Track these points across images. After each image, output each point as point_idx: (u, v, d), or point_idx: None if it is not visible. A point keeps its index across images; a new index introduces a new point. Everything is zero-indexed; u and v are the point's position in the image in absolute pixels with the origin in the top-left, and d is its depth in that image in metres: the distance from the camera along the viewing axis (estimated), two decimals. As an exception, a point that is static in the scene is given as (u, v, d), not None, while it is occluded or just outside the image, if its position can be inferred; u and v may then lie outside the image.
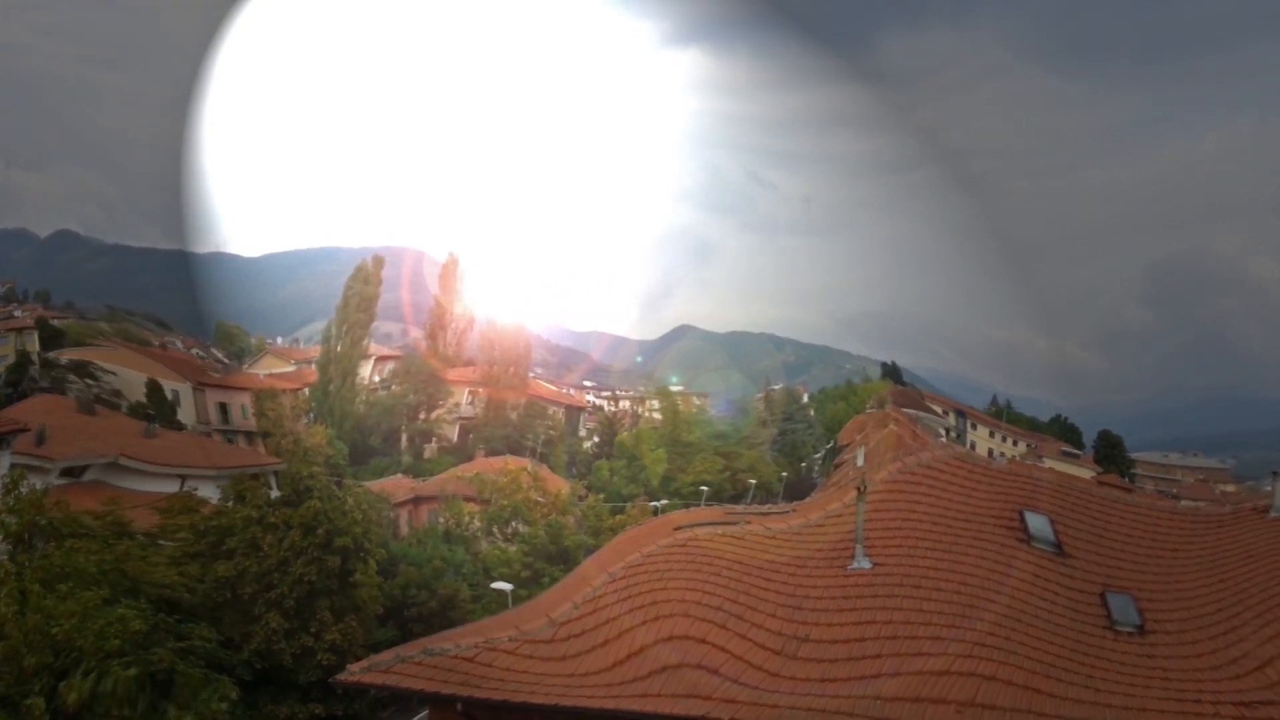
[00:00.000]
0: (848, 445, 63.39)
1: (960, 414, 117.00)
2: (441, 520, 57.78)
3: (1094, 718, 13.43)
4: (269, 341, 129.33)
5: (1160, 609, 16.82)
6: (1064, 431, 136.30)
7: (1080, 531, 19.30)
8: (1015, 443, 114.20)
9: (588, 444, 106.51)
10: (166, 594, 26.87)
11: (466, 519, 57.05)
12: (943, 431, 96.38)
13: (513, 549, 53.05)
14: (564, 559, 50.33)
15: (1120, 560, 18.47)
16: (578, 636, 16.48)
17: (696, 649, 15.82)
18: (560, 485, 68.37)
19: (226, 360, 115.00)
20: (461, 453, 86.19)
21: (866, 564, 17.41)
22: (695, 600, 16.84)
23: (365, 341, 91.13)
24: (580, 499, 66.11)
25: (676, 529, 19.84)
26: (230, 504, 33.54)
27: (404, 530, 58.88)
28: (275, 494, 38.27)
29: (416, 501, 66.59)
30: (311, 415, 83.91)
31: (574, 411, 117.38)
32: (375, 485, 64.33)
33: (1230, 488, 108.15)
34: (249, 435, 73.24)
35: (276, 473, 50.03)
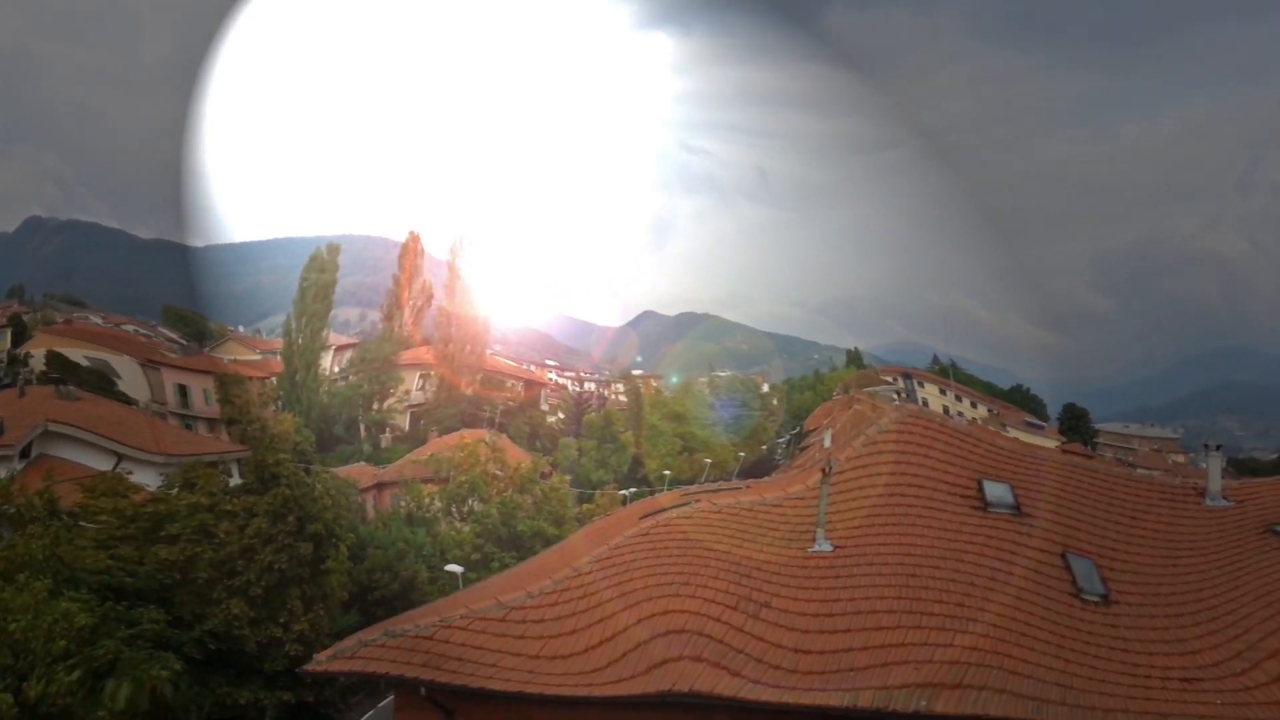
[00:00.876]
0: (814, 430, 64.19)
1: (906, 376, 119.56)
2: (403, 504, 57.44)
3: (1063, 684, 13.71)
4: (231, 328, 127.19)
5: (1120, 579, 17.15)
6: (1027, 402, 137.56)
7: (1040, 496, 19.62)
8: (974, 405, 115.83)
9: (552, 418, 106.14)
10: (104, 580, 25.90)
11: (427, 500, 56.67)
12: (895, 396, 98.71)
13: (467, 529, 52.86)
14: (515, 544, 50.18)
15: (1079, 524, 18.80)
16: (537, 623, 16.47)
17: (662, 621, 15.92)
18: (521, 458, 67.43)
19: (184, 342, 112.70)
20: (414, 440, 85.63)
21: (827, 547, 17.57)
22: (655, 583, 16.93)
23: (325, 332, 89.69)
24: (544, 476, 65.60)
25: (642, 518, 19.97)
26: (175, 491, 32.23)
27: (370, 515, 58.70)
28: (235, 481, 37.81)
29: (380, 487, 66.21)
30: (279, 403, 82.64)
31: (535, 387, 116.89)
32: (341, 471, 63.71)
33: (1180, 458, 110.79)
34: (211, 422, 71.52)
35: (239, 460, 49.25)
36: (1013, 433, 78.98)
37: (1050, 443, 77.35)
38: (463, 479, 58.05)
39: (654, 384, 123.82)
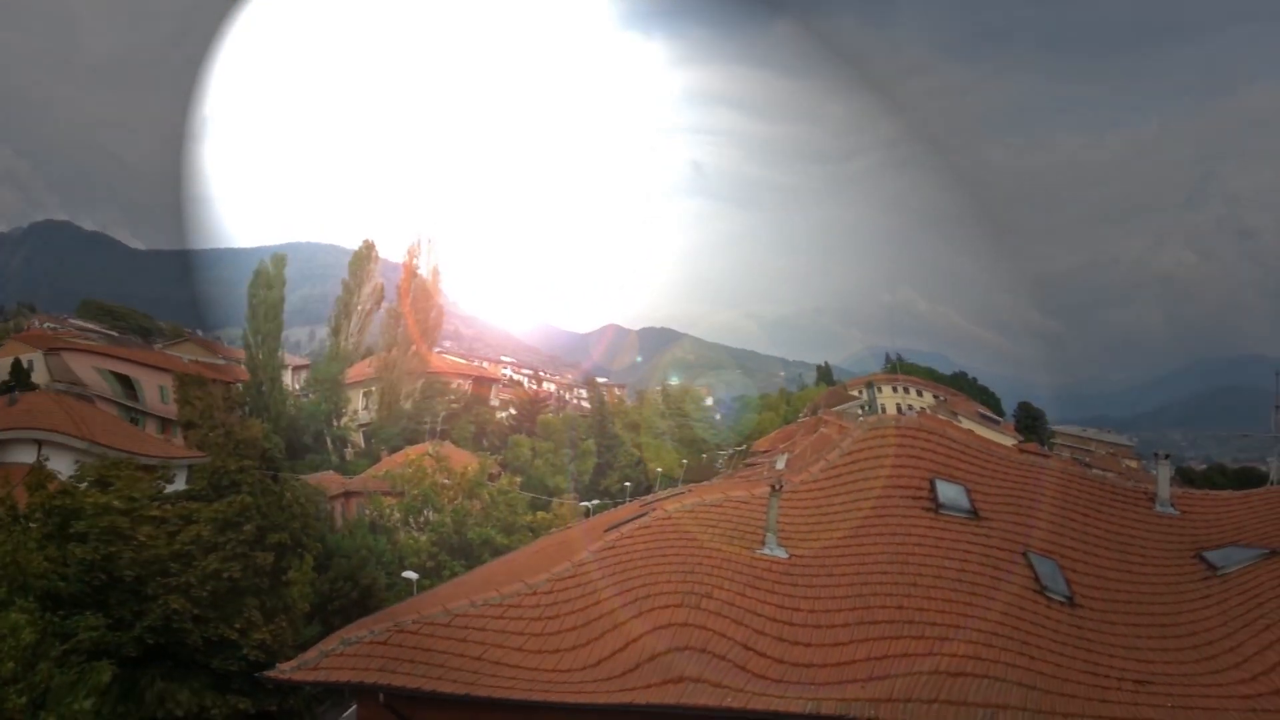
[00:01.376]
0: (766, 451, 63.92)
1: (870, 385, 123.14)
2: (367, 513, 58.08)
3: (1026, 684, 13.75)
4: (188, 330, 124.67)
5: (1082, 580, 17.28)
6: (976, 392, 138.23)
7: (995, 493, 19.78)
8: (920, 393, 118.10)
9: (502, 414, 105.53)
10: (44, 585, 24.96)
11: (387, 511, 57.56)
12: (860, 411, 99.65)
13: (424, 538, 53.81)
14: (465, 552, 51.14)
15: (1037, 522, 18.90)
16: (480, 630, 16.07)
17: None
18: (467, 460, 67.80)
19: (116, 334, 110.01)
20: (371, 456, 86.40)
21: (782, 553, 17.44)
22: (619, 604, 16.41)
23: (280, 352, 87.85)
24: (493, 477, 65.67)
25: (607, 530, 19.84)
26: (83, 485, 30.24)
27: (339, 523, 58.57)
28: (175, 488, 36.36)
29: (347, 495, 66.04)
30: (247, 409, 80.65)
31: (485, 383, 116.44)
32: (311, 479, 63.35)
33: (1133, 464, 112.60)
34: (165, 421, 68.71)
35: (190, 466, 47.75)
36: (965, 423, 79.63)
37: (1007, 439, 78.24)
38: (415, 492, 58.95)
39: (617, 393, 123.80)
